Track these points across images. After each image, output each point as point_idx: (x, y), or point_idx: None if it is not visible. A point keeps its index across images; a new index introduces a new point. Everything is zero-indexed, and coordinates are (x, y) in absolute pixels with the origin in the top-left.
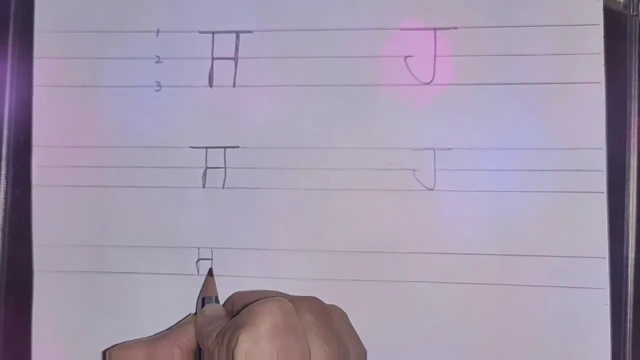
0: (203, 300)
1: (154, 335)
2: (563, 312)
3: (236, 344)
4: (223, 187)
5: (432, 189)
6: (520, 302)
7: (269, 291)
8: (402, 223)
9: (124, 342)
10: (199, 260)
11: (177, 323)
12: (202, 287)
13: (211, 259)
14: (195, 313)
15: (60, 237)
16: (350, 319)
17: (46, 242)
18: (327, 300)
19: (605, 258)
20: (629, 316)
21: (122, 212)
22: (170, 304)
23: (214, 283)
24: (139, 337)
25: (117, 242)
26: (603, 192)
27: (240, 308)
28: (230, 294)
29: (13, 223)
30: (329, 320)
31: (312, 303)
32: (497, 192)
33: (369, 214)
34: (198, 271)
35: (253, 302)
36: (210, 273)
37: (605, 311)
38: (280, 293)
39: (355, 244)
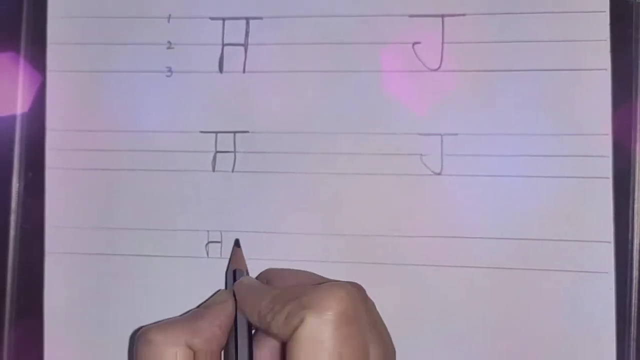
0: (234, 273)
1: (186, 315)
2: (568, 296)
3: (301, 324)
4: (232, 171)
5: (439, 174)
6: (526, 286)
7: (304, 271)
8: (409, 207)
9: (157, 324)
10: (208, 243)
11: (208, 300)
12: (230, 260)
13: (220, 242)
14: (225, 288)
15: (72, 220)
16: None
17: (58, 224)
18: None
19: (610, 243)
20: (634, 300)
21: (133, 195)
22: (180, 286)
23: (243, 255)
24: (150, 319)
25: (128, 224)
26: (609, 178)
27: (280, 284)
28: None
29: (26, 206)
30: (371, 304)
31: (358, 288)
32: (503, 177)
33: (376, 198)
34: (207, 254)
35: (292, 282)
36: (237, 244)
37: (610, 295)
38: (313, 275)
39: (363, 228)
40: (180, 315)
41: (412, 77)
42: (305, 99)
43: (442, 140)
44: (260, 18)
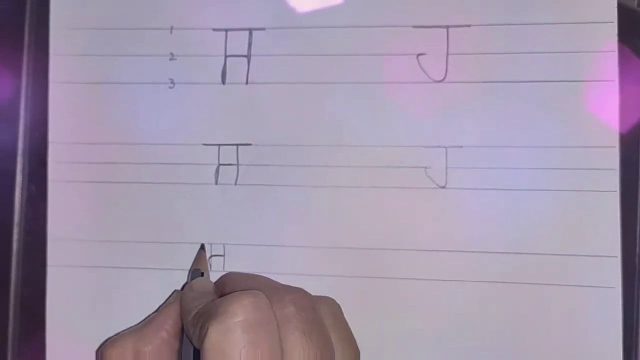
0: (193, 274)
1: (141, 322)
2: (574, 311)
3: (206, 333)
4: (235, 184)
5: (443, 187)
6: (532, 301)
7: (260, 276)
8: (413, 221)
9: (114, 336)
10: (211, 256)
11: (164, 302)
12: (194, 261)
13: (223, 255)
14: (183, 288)
15: (75, 232)
16: (359, 317)
17: (61, 237)
18: (338, 297)
19: (617, 257)
20: None
21: (135, 208)
22: None
23: (205, 257)
24: None
25: (131, 237)
26: (616, 191)
27: (229, 290)
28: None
29: (28, 218)
30: (313, 313)
31: (297, 295)
32: (509, 190)
33: (380, 211)
34: (210, 267)
35: (240, 287)
36: (202, 247)
37: (617, 310)
38: (271, 280)
39: (366, 242)
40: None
41: (416, 88)
42: (308, 110)
43: (446, 153)
44: (263, 29)
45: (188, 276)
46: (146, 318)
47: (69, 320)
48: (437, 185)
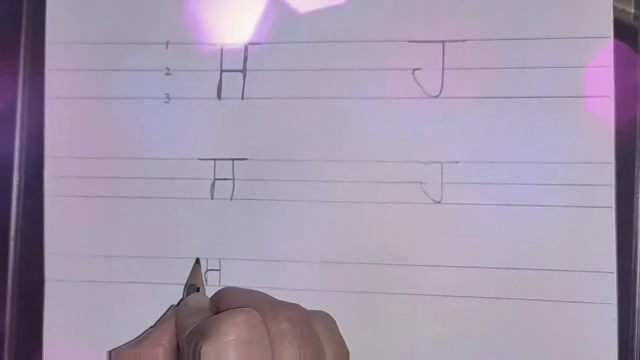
0: (189, 289)
1: (138, 337)
2: (570, 328)
3: (200, 353)
4: (231, 199)
5: (439, 202)
6: (527, 317)
7: (256, 292)
8: (409, 236)
9: (114, 349)
10: (207, 271)
11: (162, 317)
12: (189, 276)
13: (219, 270)
14: (179, 303)
15: (71, 247)
16: (355, 332)
17: (58, 251)
18: (333, 312)
19: (613, 273)
20: (637, 332)
21: (131, 223)
22: None
23: (201, 272)
24: None
25: (127, 252)
26: (612, 207)
27: (225, 306)
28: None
29: (25, 233)
30: (308, 329)
31: (291, 311)
32: (505, 206)
33: (376, 226)
34: (206, 282)
35: (236, 304)
36: (197, 262)
37: (613, 327)
38: (267, 296)
39: (362, 257)
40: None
41: (412, 103)
42: (304, 125)
43: (442, 168)
44: (259, 44)
45: (184, 291)
46: (143, 333)
47: (67, 336)
48: (433, 200)
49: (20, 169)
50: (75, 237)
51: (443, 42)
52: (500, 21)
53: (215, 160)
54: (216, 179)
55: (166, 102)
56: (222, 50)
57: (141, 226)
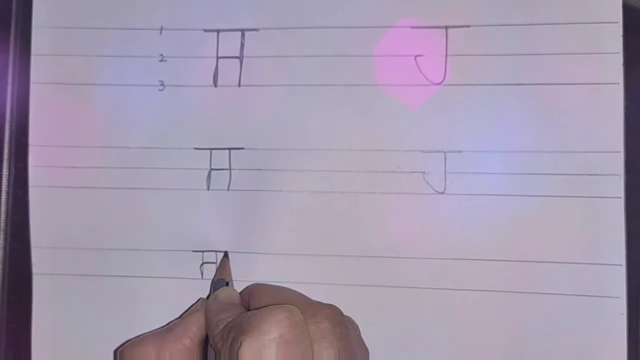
0: (217, 283)
1: (164, 326)
2: (578, 321)
3: (239, 348)
4: (228, 189)
5: (442, 193)
6: (534, 310)
7: (288, 289)
8: (411, 227)
9: (135, 338)
10: (203, 264)
11: (188, 309)
12: (217, 270)
13: (215, 263)
14: (208, 297)
15: (59, 240)
16: (358, 324)
17: (45, 244)
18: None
19: (622, 266)
20: None
21: (124, 214)
22: (173, 308)
23: (229, 266)
24: None
25: (119, 245)
26: (620, 197)
27: (256, 302)
28: None
29: (15, 224)
30: (346, 330)
31: (331, 311)
32: (510, 196)
33: (377, 217)
34: (202, 275)
35: (269, 300)
36: (226, 255)
37: (621, 321)
38: (300, 294)
39: (363, 248)
40: (159, 328)
41: (414, 91)
42: (303, 114)
43: (445, 158)
44: (256, 30)
45: (211, 285)
46: (168, 324)
47: (55, 329)
48: (436, 191)
49: (9, 159)
50: (63, 229)
51: (446, 27)
52: (505, 6)
53: (211, 149)
54: (212, 169)
55: (160, 90)
56: (217, 36)
57: (134, 218)
